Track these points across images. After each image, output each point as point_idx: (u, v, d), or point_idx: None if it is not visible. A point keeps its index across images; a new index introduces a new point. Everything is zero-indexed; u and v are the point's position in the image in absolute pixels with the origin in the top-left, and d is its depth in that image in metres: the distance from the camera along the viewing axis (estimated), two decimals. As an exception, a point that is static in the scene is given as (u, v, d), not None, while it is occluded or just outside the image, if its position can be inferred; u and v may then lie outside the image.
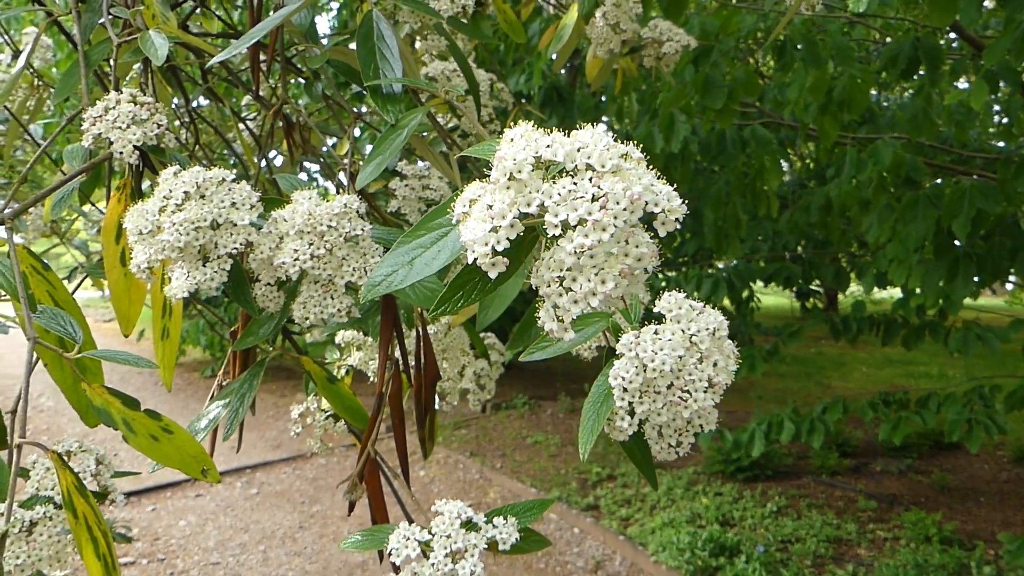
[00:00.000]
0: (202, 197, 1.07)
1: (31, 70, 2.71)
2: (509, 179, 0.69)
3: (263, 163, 1.59)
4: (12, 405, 1.14)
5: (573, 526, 6.03)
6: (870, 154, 4.64)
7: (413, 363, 1.40)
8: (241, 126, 2.08)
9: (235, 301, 1.14)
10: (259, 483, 7.07)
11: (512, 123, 2.78)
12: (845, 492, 6.56)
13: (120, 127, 1.14)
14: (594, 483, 6.87)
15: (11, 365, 10.97)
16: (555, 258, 0.70)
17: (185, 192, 1.06)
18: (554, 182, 0.69)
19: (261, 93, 1.58)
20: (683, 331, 0.96)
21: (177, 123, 2.63)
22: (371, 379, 1.81)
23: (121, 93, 1.16)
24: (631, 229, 0.70)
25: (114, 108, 1.15)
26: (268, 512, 6.39)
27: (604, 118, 6.61)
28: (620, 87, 2.58)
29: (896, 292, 6.07)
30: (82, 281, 1.39)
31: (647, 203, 0.70)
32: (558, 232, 0.68)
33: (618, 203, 0.68)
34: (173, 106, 2.30)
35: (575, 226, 0.68)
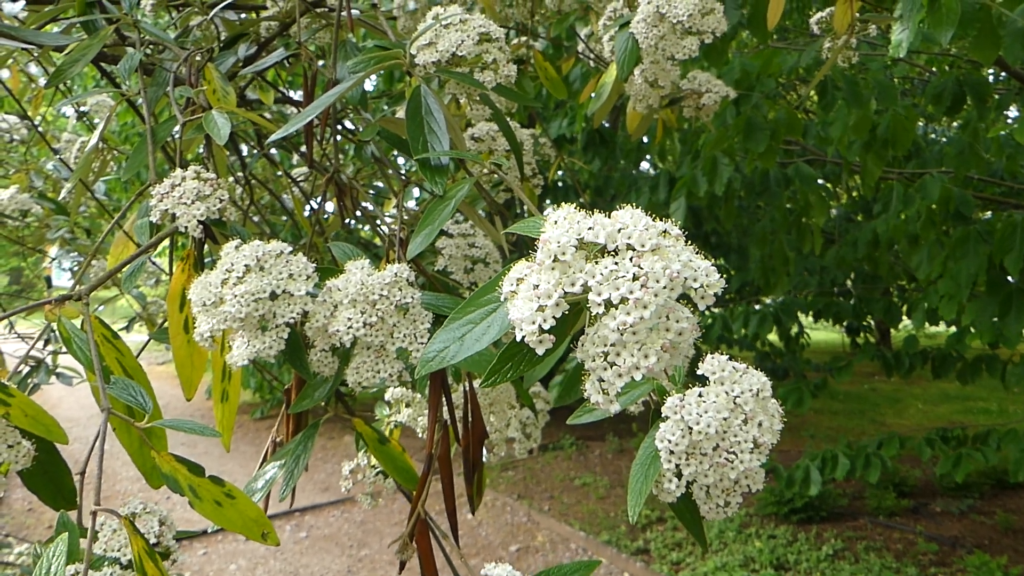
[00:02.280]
0: (261, 269, 1.12)
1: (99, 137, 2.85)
2: (554, 261, 0.72)
3: (315, 224, 1.65)
4: (80, 466, 1.20)
5: (623, 571, 5.94)
6: (917, 189, 4.59)
7: (460, 419, 1.43)
8: (293, 186, 2.16)
9: (291, 366, 1.19)
10: (308, 527, 7.13)
11: (553, 173, 2.81)
12: (904, 534, 6.36)
13: (185, 203, 1.20)
14: (644, 526, 6.78)
15: (69, 408, 11.26)
16: (599, 334, 0.73)
17: (246, 265, 1.11)
18: (597, 262, 0.72)
19: (314, 158, 1.65)
20: (727, 393, 0.97)
21: (231, 179, 2.74)
22: (419, 434, 1.85)
23: (186, 170, 1.23)
24: (672, 305, 0.72)
25: (180, 185, 1.22)
26: (317, 556, 6.43)
27: (647, 157, 6.65)
28: (661, 136, 2.62)
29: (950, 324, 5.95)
30: (145, 345, 1.46)
31: (686, 279, 0.73)
32: (602, 310, 0.71)
33: (658, 281, 0.70)
34: (228, 164, 2.40)
35: (618, 304, 0.71)
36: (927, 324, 5.68)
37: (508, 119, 1.80)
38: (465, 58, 1.39)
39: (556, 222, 0.75)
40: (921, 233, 4.79)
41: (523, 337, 0.72)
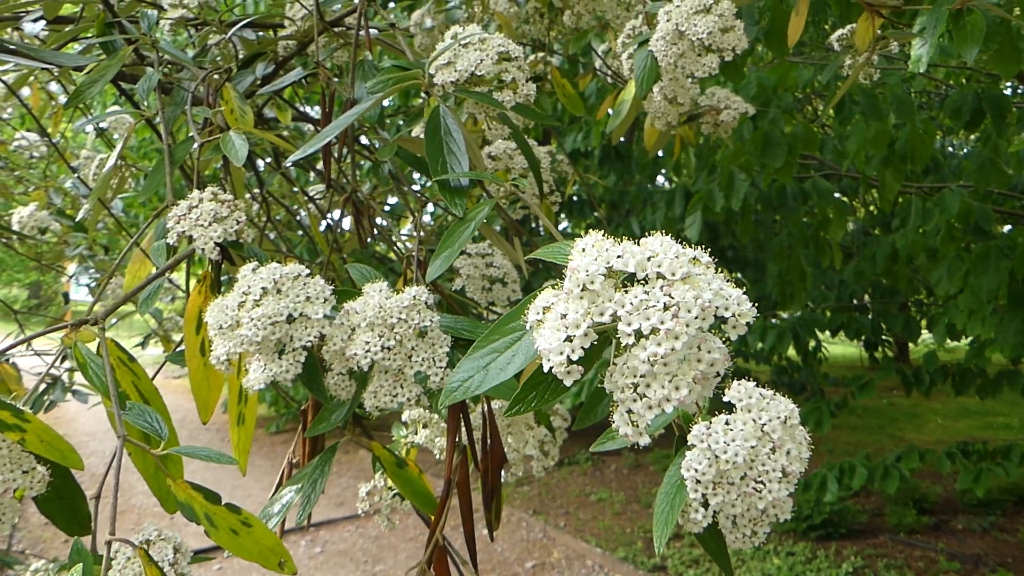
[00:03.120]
0: (279, 292, 1.11)
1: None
2: (582, 290, 0.70)
3: (333, 243, 1.64)
4: (97, 485, 1.18)
5: (640, 588, 5.88)
6: (936, 203, 4.54)
7: (479, 441, 1.41)
8: (310, 203, 2.15)
9: (308, 389, 1.18)
10: (323, 541, 7.10)
11: (570, 189, 2.79)
12: (925, 552, 6.26)
13: (202, 225, 1.19)
14: (660, 542, 6.69)
15: (85, 423, 11.31)
16: (629, 365, 0.70)
17: (263, 288, 1.10)
18: (626, 291, 0.70)
19: (332, 177, 1.64)
20: (754, 421, 0.94)
21: (248, 195, 2.74)
22: (435, 455, 1.83)
23: (203, 191, 1.22)
24: (703, 336, 0.70)
25: (197, 206, 1.20)
26: (332, 571, 6.40)
27: (662, 171, 6.63)
28: (678, 152, 2.60)
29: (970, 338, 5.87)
30: (161, 367, 1.45)
31: (717, 308, 0.70)
32: (632, 341, 0.69)
33: (689, 311, 0.68)
34: (245, 180, 2.40)
35: (648, 335, 0.68)
36: (947, 338, 5.61)
37: (525, 135, 1.79)
38: (484, 77, 1.38)
39: (584, 249, 0.73)
40: (940, 248, 4.73)
41: (551, 368, 0.70)
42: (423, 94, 1.33)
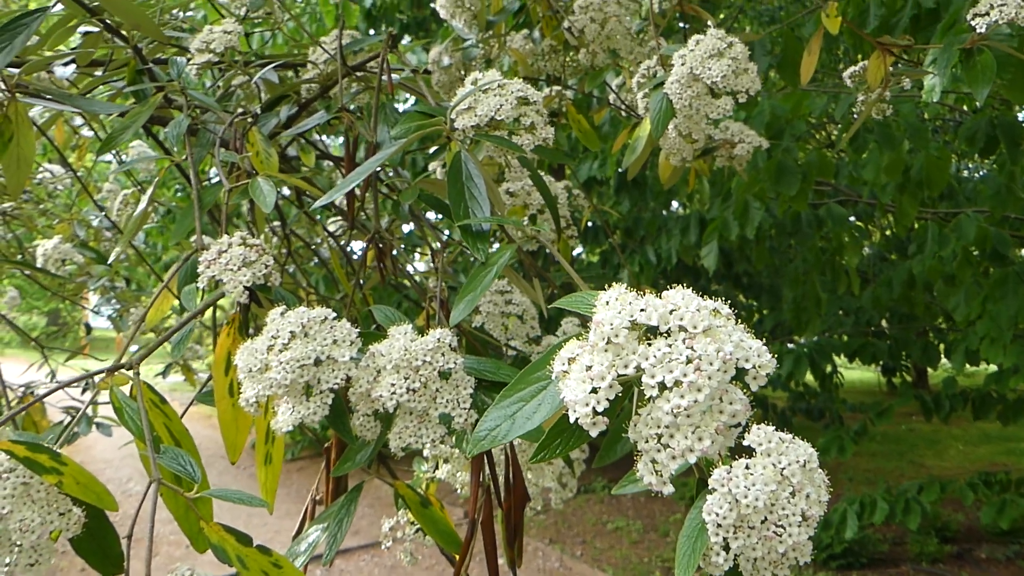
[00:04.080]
0: (306, 335, 1.14)
1: (138, 186, 2.92)
2: (607, 343, 0.72)
3: (356, 284, 1.67)
4: (128, 529, 1.21)
5: (658, 618, 5.82)
6: (953, 229, 4.54)
7: (502, 479, 1.43)
8: (329, 238, 2.19)
9: (334, 430, 1.20)
10: (338, 571, 7.08)
11: (585, 223, 2.81)
12: (949, 582, 6.18)
13: (232, 269, 1.23)
14: (678, 571, 6.63)
15: (103, 450, 11.36)
16: (652, 416, 0.72)
17: (291, 332, 1.13)
18: (649, 343, 0.73)
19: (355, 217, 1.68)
20: (774, 465, 0.96)
21: (268, 230, 2.78)
22: (456, 489, 1.84)
23: (232, 236, 1.26)
24: (725, 387, 0.72)
25: (226, 251, 1.24)
26: (348, 601, 6.38)
27: (675, 201, 6.66)
28: (693, 184, 2.62)
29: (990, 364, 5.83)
30: (189, 406, 1.48)
31: (738, 360, 0.73)
32: (655, 393, 0.71)
33: (711, 364, 0.70)
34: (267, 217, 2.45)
35: (672, 387, 0.71)
36: (966, 364, 5.57)
37: (540, 168, 1.82)
38: (503, 121, 1.41)
39: (608, 303, 0.75)
40: (958, 273, 4.72)
41: (577, 419, 0.72)
42: (445, 139, 1.36)
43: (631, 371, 0.72)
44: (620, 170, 5.31)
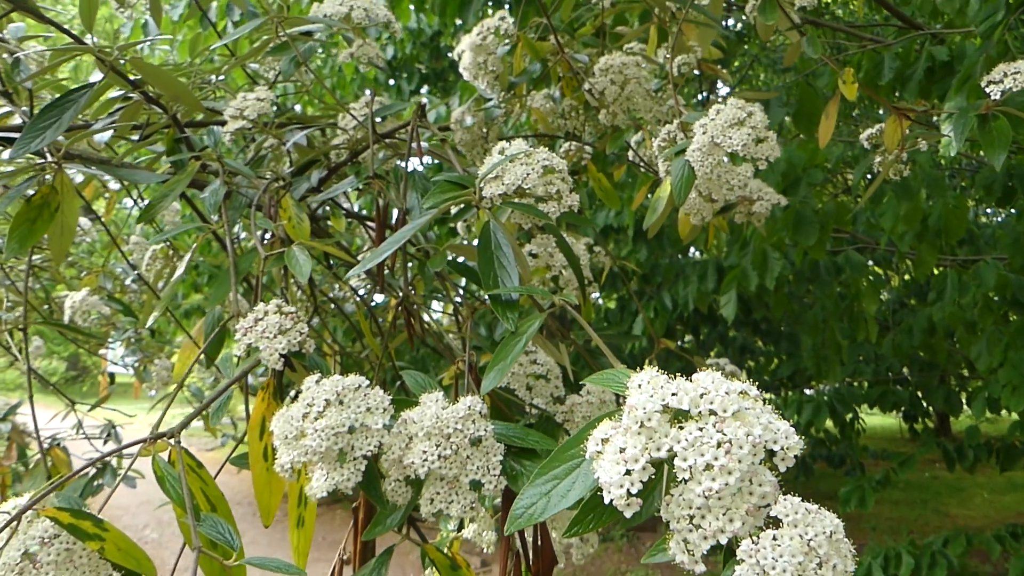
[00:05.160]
0: (341, 403, 1.17)
1: (167, 243, 2.99)
2: (640, 426, 0.75)
3: (385, 347, 1.70)
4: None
5: (680, 673, 5.70)
6: (972, 276, 4.54)
7: (529, 540, 1.44)
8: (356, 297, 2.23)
9: (367, 495, 1.22)
10: (356, 620, 7.00)
11: (605, 278, 2.83)
12: (978, 636, 6.02)
13: (268, 337, 1.27)
14: (700, 624, 6.51)
15: (119, 495, 11.36)
16: (684, 497, 0.75)
17: (326, 400, 1.16)
18: (681, 427, 0.75)
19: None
20: (801, 536, 0.97)
21: (296, 289, 2.83)
22: (482, 548, 1.85)
23: (268, 304, 1.30)
24: (754, 469, 0.74)
25: (262, 319, 1.28)
26: (365, 652, 6.29)
27: (692, 248, 6.69)
28: (712, 239, 2.66)
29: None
30: (222, 467, 1.51)
31: (767, 443, 0.75)
32: (688, 475, 0.73)
33: (742, 447, 0.73)
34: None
35: (703, 470, 0.73)
36: (987, 411, 5.51)
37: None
38: (531, 189, 1.45)
39: (640, 386, 0.78)
40: (979, 321, 4.71)
41: (611, 500, 0.75)
42: (474, 208, 1.40)
43: (663, 454, 0.75)
44: (637, 216, 5.36)
